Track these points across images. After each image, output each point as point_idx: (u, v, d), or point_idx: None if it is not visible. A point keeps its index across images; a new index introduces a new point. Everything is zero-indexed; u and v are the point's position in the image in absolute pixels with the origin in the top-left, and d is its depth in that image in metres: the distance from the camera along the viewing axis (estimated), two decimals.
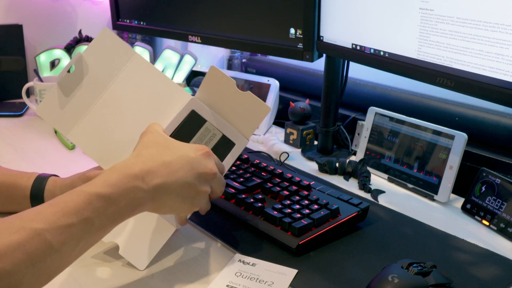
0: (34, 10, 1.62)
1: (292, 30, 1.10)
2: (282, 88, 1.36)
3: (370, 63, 0.97)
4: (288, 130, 1.23)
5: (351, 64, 1.13)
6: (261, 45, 1.18)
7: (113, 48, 0.78)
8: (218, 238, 0.78)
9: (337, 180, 1.03)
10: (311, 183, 0.88)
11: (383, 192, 0.97)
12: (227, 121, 0.75)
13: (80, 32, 1.59)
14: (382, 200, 0.94)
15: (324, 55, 1.10)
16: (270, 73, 1.46)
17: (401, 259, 0.67)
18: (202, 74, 1.62)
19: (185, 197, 0.65)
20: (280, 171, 0.92)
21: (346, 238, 0.79)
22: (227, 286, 0.67)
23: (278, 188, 0.86)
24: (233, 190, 0.86)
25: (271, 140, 1.17)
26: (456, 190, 0.94)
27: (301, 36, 1.09)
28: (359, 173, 1.02)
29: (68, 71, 0.76)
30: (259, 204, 0.82)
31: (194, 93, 1.48)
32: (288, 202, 0.82)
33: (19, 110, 1.43)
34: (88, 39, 1.58)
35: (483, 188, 0.88)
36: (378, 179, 1.03)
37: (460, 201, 0.93)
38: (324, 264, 0.72)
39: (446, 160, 0.93)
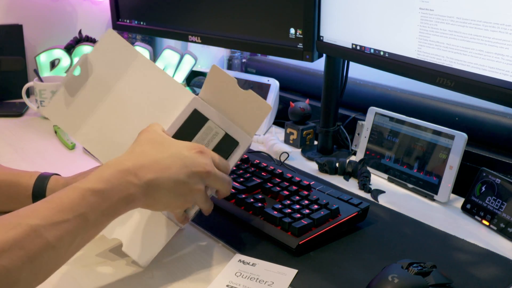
0: (34, 10, 1.62)
1: (292, 30, 1.10)
2: (282, 88, 1.36)
3: (370, 63, 0.97)
4: (288, 130, 1.23)
5: (351, 64, 1.13)
6: (261, 45, 1.18)
7: (117, 49, 0.80)
8: (218, 238, 0.78)
9: (337, 180, 1.03)
10: (311, 183, 0.88)
11: (383, 192, 0.97)
12: (230, 120, 0.75)
13: (80, 32, 1.59)
14: (382, 200, 0.94)
15: (324, 55, 1.10)
16: (270, 73, 1.46)
17: (401, 259, 0.67)
18: (202, 74, 1.62)
19: (177, 194, 0.65)
20: (280, 171, 0.92)
21: (346, 238, 0.79)
22: (227, 286, 0.67)
23: (278, 188, 0.86)
24: (233, 190, 0.86)
25: (271, 140, 1.17)
26: (456, 190, 0.94)
27: (301, 36, 1.09)
28: (359, 173, 1.02)
29: (74, 73, 0.78)
30: (259, 204, 0.82)
31: (194, 93, 1.49)
32: (288, 202, 0.82)
33: (19, 110, 1.43)
34: (88, 39, 1.58)
35: (483, 188, 0.88)
36: (378, 179, 1.03)
37: (460, 201, 0.93)
38: (324, 264, 0.72)
39: (446, 160, 0.93)
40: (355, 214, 0.80)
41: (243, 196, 0.85)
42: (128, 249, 0.72)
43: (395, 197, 0.96)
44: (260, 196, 0.84)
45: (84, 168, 0.83)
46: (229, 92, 0.75)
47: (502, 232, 0.83)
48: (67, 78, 0.77)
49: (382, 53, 0.93)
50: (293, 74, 1.44)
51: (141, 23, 1.48)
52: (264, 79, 1.33)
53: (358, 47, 0.98)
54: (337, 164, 1.06)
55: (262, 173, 0.92)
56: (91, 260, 0.73)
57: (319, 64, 1.16)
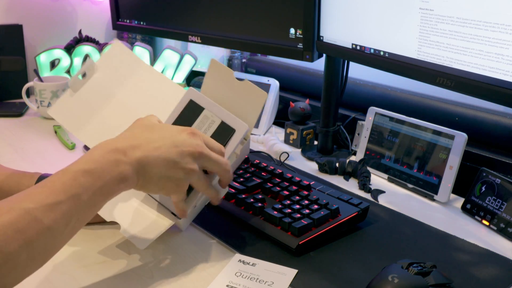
0: (34, 10, 1.62)
1: (292, 30, 1.10)
2: (282, 88, 1.36)
3: (370, 63, 0.97)
4: (288, 130, 1.23)
5: (351, 64, 1.13)
6: (261, 45, 1.18)
7: (123, 58, 0.85)
8: (218, 238, 0.78)
9: (337, 180, 1.03)
10: (311, 183, 0.88)
11: (383, 192, 0.97)
12: (228, 109, 0.77)
13: (80, 32, 1.59)
14: (382, 200, 0.94)
15: (324, 55, 1.10)
16: (270, 73, 1.46)
17: (401, 259, 0.67)
18: (202, 74, 1.62)
19: (170, 176, 0.65)
20: (280, 171, 0.92)
21: (346, 238, 0.79)
22: (227, 286, 0.67)
23: (278, 188, 0.86)
24: (233, 190, 0.86)
25: (271, 140, 1.17)
26: (456, 190, 0.94)
27: (301, 36, 1.09)
28: (359, 173, 1.02)
29: (80, 76, 0.82)
30: (259, 204, 0.82)
31: None
32: (288, 202, 0.82)
33: (19, 110, 1.43)
34: (88, 39, 1.58)
35: (483, 188, 0.88)
36: (378, 179, 1.03)
37: (460, 201, 0.93)
38: (324, 264, 0.72)
39: (446, 160, 0.93)
40: (355, 214, 0.80)
41: (243, 196, 0.85)
42: (126, 232, 0.73)
43: (395, 197, 0.96)
44: (260, 196, 0.84)
45: None
46: (227, 84, 0.77)
47: (502, 232, 0.83)
48: (73, 80, 0.82)
49: (382, 53, 0.93)
50: (293, 74, 1.44)
51: (141, 23, 1.48)
52: (264, 79, 1.33)
53: (358, 47, 0.98)
54: (337, 164, 1.06)
55: (262, 173, 0.92)
56: (91, 260, 0.73)
57: (319, 64, 1.16)
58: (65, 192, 0.56)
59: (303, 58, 1.10)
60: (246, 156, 0.98)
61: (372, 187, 0.99)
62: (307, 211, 0.79)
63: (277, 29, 1.13)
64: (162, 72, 1.55)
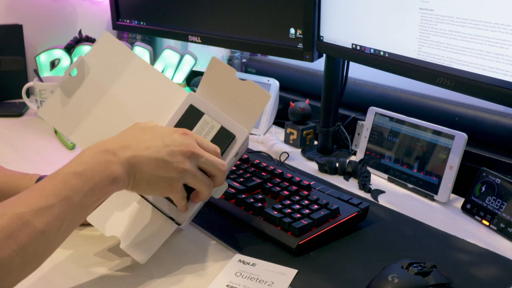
0: (34, 10, 1.62)
1: (292, 30, 1.10)
2: (282, 88, 1.36)
3: (370, 63, 0.97)
4: (288, 130, 1.23)
5: (351, 64, 1.13)
6: (261, 45, 1.18)
7: (114, 52, 0.80)
8: (218, 238, 0.78)
9: (337, 180, 1.03)
10: (311, 183, 0.88)
11: (383, 192, 0.97)
12: (228, 112, 0.76)
13: (80, 32, 1.59)
14: (382, 200, 0.94)
15: (324, 55, 1.10)
16: (270, 73, 1.46)
17: (401, 259, 0.67)
18: (202, 74, 1.61)
19: (161, 175, 0.65)
20: (280, 171, 0.92)
21: (346, 238, 0.79)
22: (227, 286, 0.67)
23: (278, 188, 0.86)
24: (233, 190, 0.86)
25: (271, 140, 1.17)
26: (456, 190, 0.94)
27: (301, 36, 1.09)
28: (359, 173, 1.02)
29: (70, 74, 0.78)
30: (259, 204, 0.82)
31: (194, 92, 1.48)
32: (288, 202, 0.82)
33: (19, 110, 1.43)
34: (88, 39, 1.58)
35: (483, 188, 0.88)
36: (378, 179, 1.03)
37: (460, 201, 0.93)
38: (324, 264, 0.72)
39: (446, 160, 0.93)
40: (355, 214, 0.80)
41: (243, 196, 0.85)
42: (126, 247, 0.72)
43: (395, 197, 0.96)
44: (260, 196, 0.84)
45: None
46: (228, 83, 0.76)
47: (502, 232, 0.83)
48: (63, 79, 0.78)
49: (382, 53, 0.93)
50: (293, 74, 1.44)
51: (141, 23, 1.48)
52: (264, 79, 1.33)
53: (358, 47, 0.98)
54: (337, 164, 1.06)
55: (262, 173, 0.92)
56: (91, 260, 0.73)
57: (319, 64, 1.16)
58: (56, 195, 0.56)
59: (303, 58, 1.10)
60: (246, 156, 0.98)
61: (372, 187, 0.99)
62: (307, 211, 0.79)
63: (277, 29, 1.13)
64: (162, 72, 1.55)
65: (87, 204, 0.59)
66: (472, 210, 0.89)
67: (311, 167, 1.09)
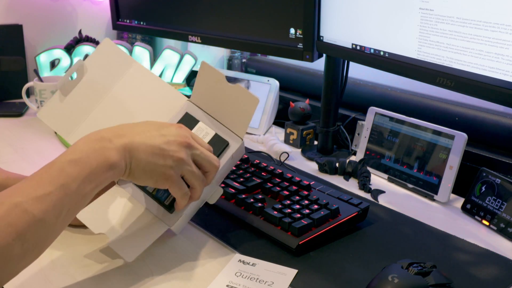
0: (34, 10, 1.62)
1: (292, 30, 1.10)
2: (282, 88, 1.36)
3: (370, 63, 0.97)
4: (288, 130, 1.23)
5: (351, 64, 1.13)
6: (261, 45, 1.18)
7: (113, 57, 0.82)
8: (218, 238, 0.78)
9: (337, 180, 1.03)
10: (311, 183, 0.88)
11: (383, 192, 0.97)
12: (221, 118, 0.77)
13: (80, 32, 1.59)
14: (382, 200, 0.94)
15: (324, 55, 1.10)
16: (270, 73, 1.46)
17: (401, 259, 0.67)
18: None
19: (158, 164, 0.65)
20: (280, 171, 0.92)
21: (346, 238, 0.79)
22: (227, 286, 0.67)
23: (278, 188, 0.86)
24: (233, 190, 0.86)
25: (271, 140, 1.17)
26: (456, 190, 0.94)
27: (301, 36, 1.09)
28: (359, 173, 1.02)
29: (70, 78, 0.80)
30: (259, 204, 0.82)
31: None
32: (288, 202, 0.82)
33: (19, 110, 1.43)
34: (88, 39, 1.58)
35: (483, 188, 0.88)
36: (378, 179, 1.03)
37: (460, 201, 0.93)
38: (324, 264, 0.72)
39: (446, 160, 0.93)
40: (355, 214, 0.80)
41: (243, 196, 0.85)
42: (113, 243, 0.72)
43: (395, 197, 0.96)
44: (260, 196, 0.84)
45: None
46: (219, 88, 0.77)
47: (502, 232, 0.83)
48: (62, 82, 0.79)
49: (382, 53, 0.93)
50: (293, 74, 1.44)
51: (141, 23, 1.48)
52: (264, 79, 1.33)
53: (358, 47, 0.98)
54: (337, 164, 1.06)
55: (262, 173, 0.92)
56: (90, 260, 0.73)
57: (319, 64, 1.16)
58: (53, 183, 0.57)
59: (303, 58, 1.10)
60: (246, 156, 0.98)
61: (372, 187, 0.99)
62: (307, 211, 0.79)
63: (277, 29, 1.13)
64: (162, 72, 1.55)
65: (84, 192, 0.59)
66: (472, 210, 0.89)
67: (311, 167, 1.09)
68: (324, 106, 1.15)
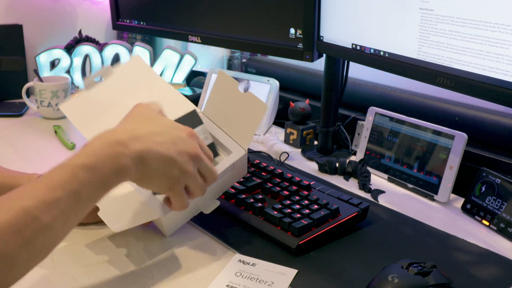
0: (34, 10, 1.62)
1: (292, 30, 1.10)
2: (282, 88, 1.36)
3: (370, 63, 0.97)
4: (288, 130, 1.23)
5: (351, 64, 1.13)
6: (261, 45, 1.18)
7: (140, 73, 0.89)
8: (218, 238, 0.78)
9: (337, 180, 1.03)
10: (311, 183, 0.88)
11: (383, 192, 0.97)
12: (228, 130, 0.80)
13: (80, 32, 1.59)
14: (382, 200, 0.94)
15: (324, 55, 1.10)
16: (270, 73, 1.46)
17: (401, 259, 0.67)
18: (202, 74, 1.62)
19: (166, 173, 0.64)
20: (280, 171, 0.92)
21: (346, 238, 0.79)
22: (227, 286, 0.67)
23: (278, 188, 0.86)
24: (233, 190, 0.86)
25: (271, 140, 1.17)
26: (456, 190, 0.94)
27: (301, 36, 1.09)
28: (359, 173, 1.02)
29: (96, 79, 0.86)
30: (259, 204, 0.82)
31: (193, 92, 1.49)
32: (288, 202, 0.82)
33: (19, 110, 1.43)
34: (88, 39, 1.58)
35: (483, 188, 0.88)
36: (378, 179, 1.03)
37: (460, 201, 0.93)
38: (324, 264, 0.72)
39: (446, 160, 0.93)
40: (355, 214, 0.80)
41: (243, 196, 0.85)
42: (103, 214, 0.72)
43: (395, 197, 0.96)
44: (260, 196, 0.84)
45: None
46: (232, 94, 0.80)
47: (502, 232, 0.83)
48: (89, 81, 0.85)
49: (382, 53, 0.93)
50: (293, 74, 1.44)
51: (141, 23, 1.48)
52: (264, 79, 1.33)
53: (358, 47, 0.98)
54: (337, 164, 1.06)
55: (262, 173, 0.92)
56: (91, 260, 0.73)
57: (319, 64, 1.16)
58: (63, 188, 0.55)
59: (303, 58, 1.10)
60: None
61: (372, 187, 0.99)
62: (307, 211, 0.79)
63: (277, 29, 1.13)
64: (162, 72, 1.55)
65: (94, 197, 0.59)
66: (472, 210, 0.89)
67: (311, 167, 1.09)
68: (324, 106, 1.15)
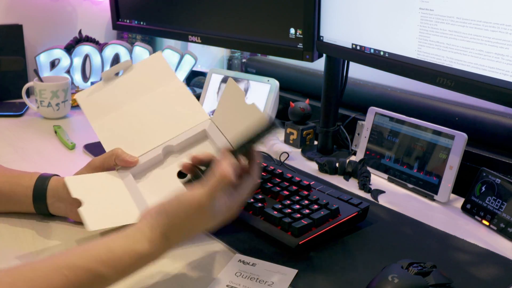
0: (34, 10, 1.62)
1: (292, 30, 1.10)
2: (282, 88, 1.35)
3: (370, 63, 0.97)
4: (288, 130, 1.23)
5: (351, 64, 1.13)
6: (261, 45, 1.19)
7: (159, 69, 0.90)
8: (218, 238, 0.78)
9: (337, 180, 1.03)
10: (311, 183, 0.88)
11: (383, 192, 0.97)
12: (232, 136, 0.82)
13: (80, 32, 1.59)
14: (382, 200, 0.94)
15: (324, 55, 1.10)
16: (270, 73, 1.46)
17: (401, 259, 0.67)
18: (202, 74, 1.62)
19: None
20: (280, 171, 0.92)
21: (346, 238, 0.79)
22: (227, 286, 0.67)
23: (278, 188, 0.86)
24: None
25: (271, 140, 1.17)
26: (456, 190, 0.94)
27: (301, 36, 1.09)
28: (359, 173, 1.02)
29: (115, 72, 0.88)
30: (259, 204, 0.82)
31: (194, 92, 1.49)
32: (288, 202, 0.82)
33: (19, 110, 1.43)
34: (88, 39, 1.58)
35: (483, 188, 0.88)
36: (378, 179, 1.03)
37: (460, 201, 0.93)
38: (324, 264, 0.72)
39: (446, 160, 0.93)
40: (355, 214, 0.80)
41: None
42: (84, 210, 0.73)
43: (395, 197, 0.96)
44: (260, 196, 0.84)
45: None
46: (238, 103, 0.82)
47: (502, 232, 0.83)
48: (107, 73, 0.87)
49: (382, 53, 0.93)
50: (293, 74, 1.44)
51: (141, 23, 1.48)
52: (264, 79, 1.33)
53: (358, 47, 0.98)
54: (337, 164, 1.06)
55: (262, 173, 0.92)
56: None
57: (319, 64, 1.16)
58: (116, 270, 0.60)
59: (303, 58, 1.10)
60: None
61: (372, 187, 0.99)
62: (307, 211, 0.79)
63: (277, 29, 1.13)
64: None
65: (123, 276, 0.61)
66: (472, 210, 0.89)
67: (311, 167, 1.09)
68: (324, 106, 1.15)
